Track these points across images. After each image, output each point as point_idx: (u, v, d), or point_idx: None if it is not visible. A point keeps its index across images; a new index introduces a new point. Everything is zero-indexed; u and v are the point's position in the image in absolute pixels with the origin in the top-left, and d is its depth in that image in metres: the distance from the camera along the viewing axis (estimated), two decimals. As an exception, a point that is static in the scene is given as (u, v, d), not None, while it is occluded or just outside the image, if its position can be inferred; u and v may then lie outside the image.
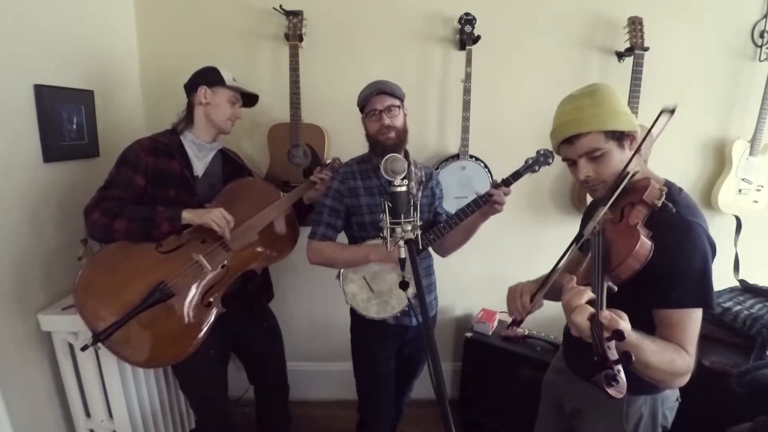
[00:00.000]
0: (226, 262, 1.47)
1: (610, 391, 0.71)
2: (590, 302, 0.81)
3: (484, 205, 1.43)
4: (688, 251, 0.93)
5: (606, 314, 0.77)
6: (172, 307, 1.38)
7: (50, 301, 1.54)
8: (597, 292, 0.84)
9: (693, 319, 0.94)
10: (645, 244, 0.90)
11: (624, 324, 0.77)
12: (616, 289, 0.88)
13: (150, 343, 1.37)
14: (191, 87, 1.52)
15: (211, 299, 1.44)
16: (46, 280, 1.54)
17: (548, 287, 1.07)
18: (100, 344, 1.28)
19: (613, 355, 0.73)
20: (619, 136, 1.00)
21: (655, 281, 0.92)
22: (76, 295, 1.30)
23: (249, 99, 1.64)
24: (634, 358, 0.71)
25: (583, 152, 1.02)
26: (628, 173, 0.98)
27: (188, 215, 1.38)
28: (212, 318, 1.44)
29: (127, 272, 1.35)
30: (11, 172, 1.40)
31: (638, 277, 0.89)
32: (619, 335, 0.73)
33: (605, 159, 1.01)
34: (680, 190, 1.04)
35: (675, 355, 0.90)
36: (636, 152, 1.00)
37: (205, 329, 1.43)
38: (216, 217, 1.39)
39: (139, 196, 1.40)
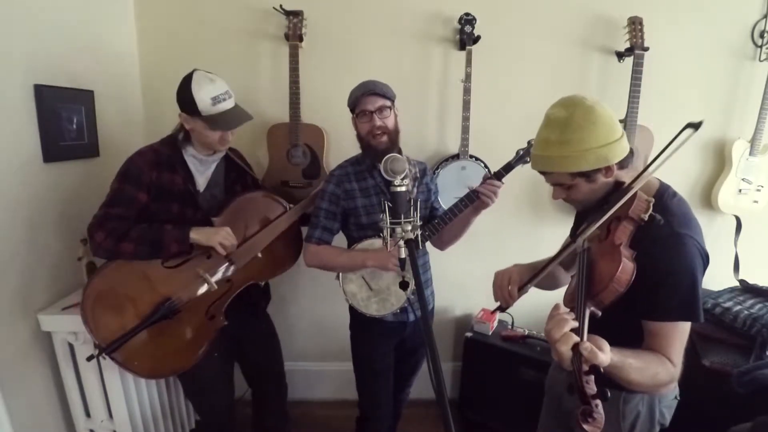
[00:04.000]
0: (230, 277, 1.48)
1: (587, 427, 0.70)
2: (574, 329, 0.80)
3: (476, 200, 1.44)
4: (677, 265, 0.92)
5: (587, 345, 0.76)
6: (176, 321, 1.39)
7: (50, 301, 1.54)
8: (579, 319, 0.83)
9: (680, 331, 0.94)
10: (627, 268, 0.88)
11: (602, 357, 0.76)
12: (599, 314, 0.87)
13: (154, 356, 1.39)
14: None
15: (215, 312, 1.46)
16: (46, 280, 1.54)
17: (539, 279, 1.08)
18: (105, 355, 1.29)
19: (591, 389, 0.72)
20: (587, 174, 0.98)
21: (644, 293, 0.91)
22: (83, 307, 1.31)
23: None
24: (609, 395, 0.71)
25: (552, 183, 1.07)
26: (619, 197, 0.96)
27: (196, 236, 1.37)
28: (216, 330, 1.46)
29: (134, 287, 1.36)
30: (11, 172, 1.40)
31: (627, 290, 0.88)
32: (595, 370, 0.73)
33: (574, 189, 1.03)
34: (674, 194, 1.02)
35: (659, 368, 0.91)
36: (644, 170, 0.98)
37: (208, 341, 1.45)
38: (223, 239, 1.39)
39: (141, 212, 1.38)
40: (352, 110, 1.48)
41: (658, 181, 1.05)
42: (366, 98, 1.41)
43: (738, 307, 1.81)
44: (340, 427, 2.10)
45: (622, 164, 1.01)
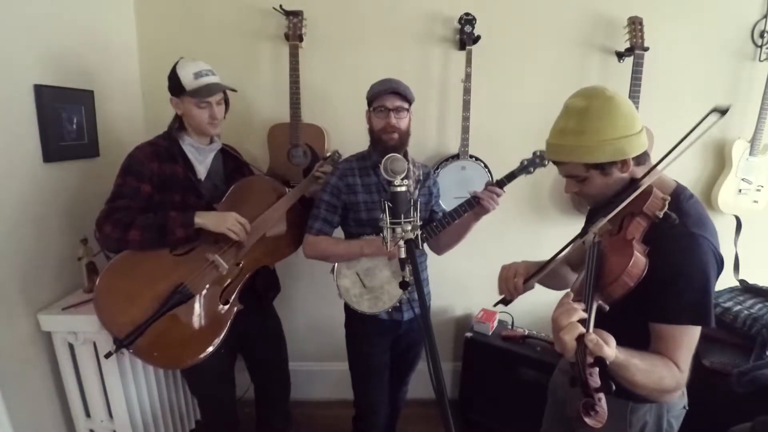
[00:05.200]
0: (240, 260, 1.49)
1: (588, 420, 0.68)
2: (581, 321, 0.78)
3: (476, 206, 1.44)
4: (689, 266, 0.88)
5: (592, 337, 0.74)
6: (192, 307, 1.40)
7: (50, 301, 1.54)
8: (587, 311, 0.81)
9: (688, 335, 0.90)
10: (639, 262, 0.85)
11: (608, 351, 0.75)
12: (607, 308, 0.85)
13: (174, 345, 1.38)
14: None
15: (229, 297, 1.47)
16: (46, 280, 1.54)
17: (544, 274, 1.06)
18: (124, 350, 1.28)
19: (595, 382, 0.70)
20: (602, 166, 0.95)
21: (653, 294, 0.88)
22: (96, 302, 1.31)
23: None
24: (614, 388, 0.69)
25: (565, 175, 1.04)
26: (633, 188, 0.93)
27: (202, 221, 1.37)
28: (232, 315, 1.47)
29: (144, 277, 1.36)
30: (11, 172, 1.40)
31: (636, 288, 0.85)
32: (600, 363, 0.71)
33: (588, 182, 1.00)
34: (691, 196, 0.99)
35: (665, 372, 0.87)
36: (653, 168, 0.95)
37: (226, 326, 1.45)
38: (232, 225, 1.40)
39: (146, 203, 1.39)
40: (370, 103, 1.49)
41: (675, 182, 1.02)
42: (387, 96, 1.44)
43: (738, 307, 1.81)
44: (338, 427, 2.10)
45: (639, 160, 0.98)
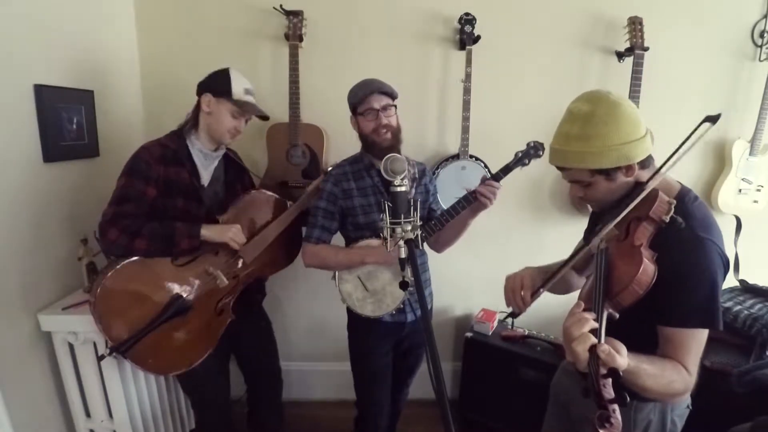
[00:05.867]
0: (238, 272, 1.51)
1: None
2: (592, 330, 0.78)
3: (474, 202, 1.44)
4: (697, 270, 0.89)
5: (605, 348, 0.74)
6: (188, 317, 1.41)
7: (50, 301, 1.54)
8: (598, 320, 0.80)
9: (697, 338, 0.91)
10: (648, 269, 0.85)
11: (620, 361, 0.74)
12: (617, 316, 0.85)
13: (167, 353, 1.40)
14: (200, 89, 1.47)
15: (224, 308, 1.49)
16: (46, 280, 1.54)
17: (552, 283, 1.05)
18: (116, 355, 1.29)
19: (609, 393, 0.70)
20: (607, 171, 0.95)
21: (661, 297, 0.88)
22: (95, 307, 1.31)
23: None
24: (628, 400, 0.68)
25: (570, 180, 1.03)
26: (636, 195, 0.93)
27: (207, 233, 1.39)
28: (225, 325, 1.49)
29: (144, 285, 1.37)
30: (11, 172, 1.40)
31: (645, 293, 0.85)
32: (614, 374, 0.71)
33: (593, 187, 1.00)
34: (695, 198, 0.99)
35: (674, 375, 0.88)
36: (657, 172, 0.95)
37: (218, 336, 1.48)
38: (235, 236, 1.42)
39: (150, 208, 1.39)
40: (355, 107, 1.48)
41: (679, 184, 1.02)
42: (372, 96, 1.43)
43: (738, 307, 1.81)
44: (339, 428, 2.10)
45: (644, 164, 0.98)
